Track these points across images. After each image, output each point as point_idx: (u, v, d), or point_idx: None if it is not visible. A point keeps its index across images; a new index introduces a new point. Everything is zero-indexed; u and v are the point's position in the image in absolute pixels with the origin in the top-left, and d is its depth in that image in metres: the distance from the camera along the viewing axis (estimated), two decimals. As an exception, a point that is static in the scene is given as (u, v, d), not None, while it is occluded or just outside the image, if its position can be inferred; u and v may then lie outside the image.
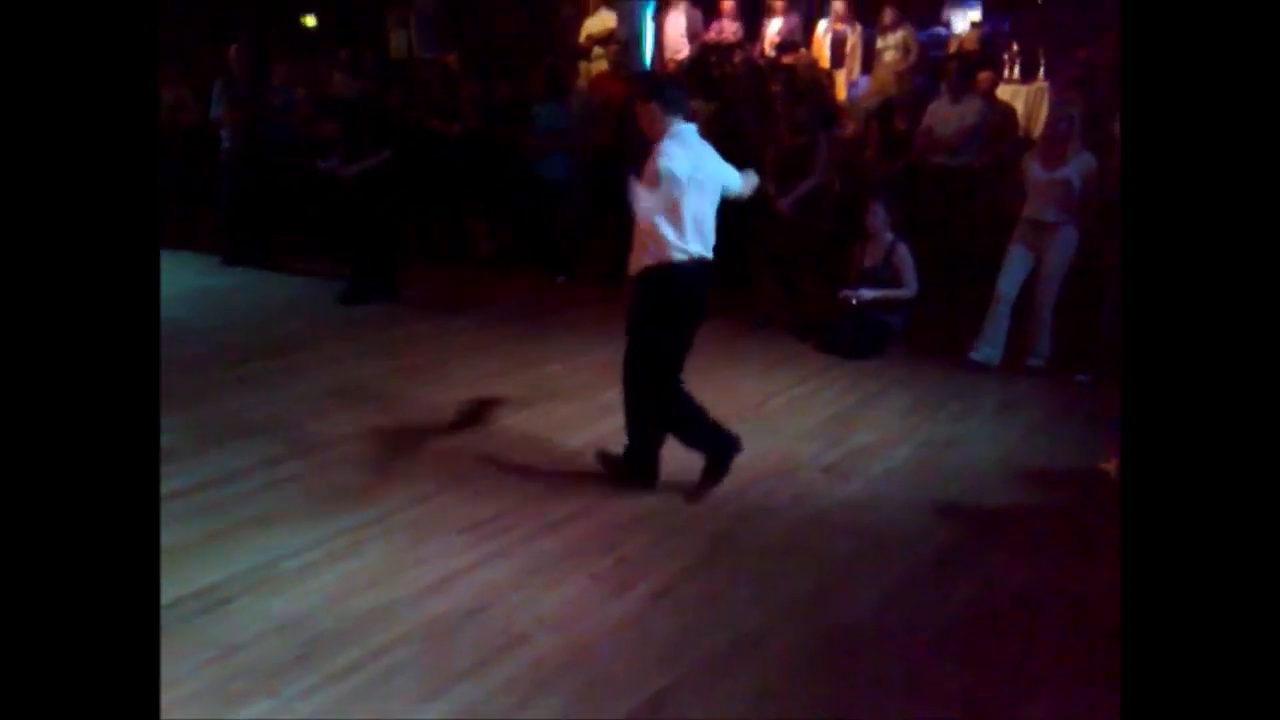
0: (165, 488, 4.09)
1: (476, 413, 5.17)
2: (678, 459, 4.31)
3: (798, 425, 5.16)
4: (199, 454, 4.54)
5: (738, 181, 4.19)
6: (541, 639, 3.21)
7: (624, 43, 9.31)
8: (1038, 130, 7.70)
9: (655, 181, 3.90)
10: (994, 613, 3.48)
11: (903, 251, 6.32)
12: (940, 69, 8.25)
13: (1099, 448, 4.79)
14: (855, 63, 9.61)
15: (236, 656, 3.07)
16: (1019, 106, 8.27)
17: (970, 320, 6.26)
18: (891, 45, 9.22)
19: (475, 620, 3.30)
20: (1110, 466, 4.58)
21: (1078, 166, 5.77)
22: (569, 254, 8.03)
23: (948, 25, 9.72)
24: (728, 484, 4.29)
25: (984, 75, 7.62)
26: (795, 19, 9.68)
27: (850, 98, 9.33)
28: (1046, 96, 8.54)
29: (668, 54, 9.89)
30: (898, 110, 7.74)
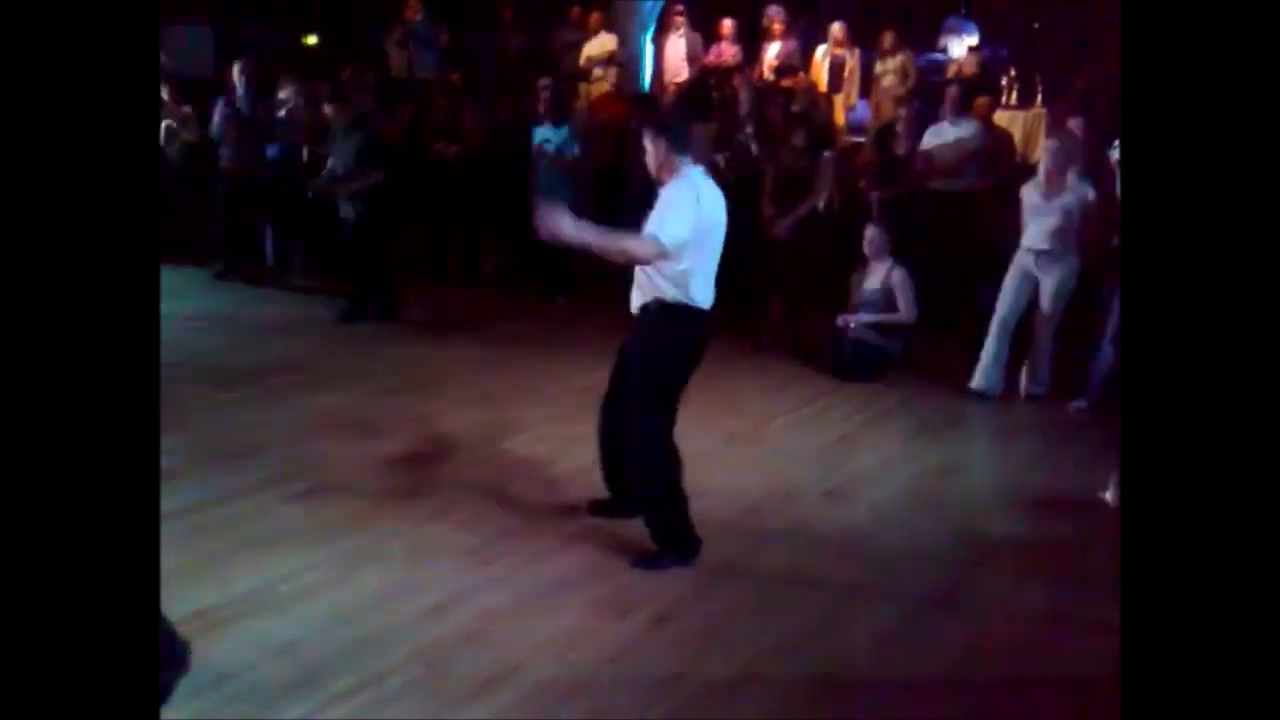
0: (162, 508, 4.05)
1: (475, 434, 5.15)
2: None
3: (798, 449, 5.16)
4: (196, 475, 4.51)
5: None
6: (539, 667, 3.18)
7: (624, 64, 9.37)
8: (1035, 155, 7.74)
9: (658, 225, 3.64)
10: (993, 642, 3.47)
11: (901, 276, 6.32)
12: (938, 94, 8.30)
13: (1098, 475, 4.78)
14: (853, 87, 9.67)
15: (231, 681, 3.04)
16: (1016, 132, 8.32)
17: (969, 346, 6.27)
18: (890, 70, 9.28)
19: (473, 647, 3.27)
20: (1109, 494, 4.57)
21: (1076, 194, 5.80)
22: (567, 275, 8.03)
23: (944, 51, 9.78)
24: (729, 508, 4.28)
25: (982, 100, 7.68)
26: (793, 43, 9.74)
27: (849, 122, 9.38)
28: (1044, 122, 8.59)
29: (667, 77, 9.95)
30: (895, 134, 7.78)
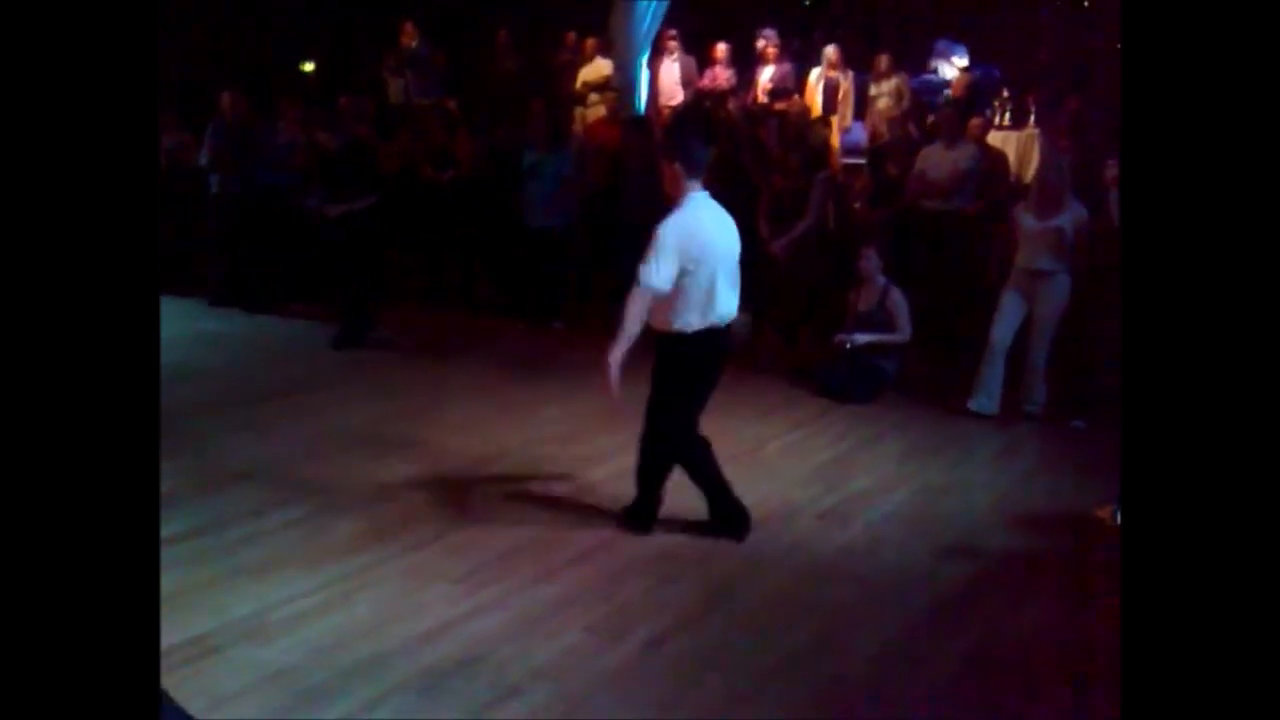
0: (159, 533, 4.05)
1: (472, 458, 5.14)
2: (673, 507, 4.29)
3: (794, 470, 5.15)
4: (193, 499, 4.49)
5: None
6: (535, 691, 3.17)
7: (620, 90, 9.41)
8: (1029, 176, 7.78)
9: (646, 271, 3.88)
10: (991, 661, 3.46)
11: (896, 296, 6.35)
12: (934, 114, 8.35)
13: (1095, 494, 4.76)
14: (848, 109, 9.71)
15: (227, 707, 3.02)
16: (1010, 153, 8.36)
17: (964, 365, 6.27)
18: (885, 92, 9.33)
19: (468, 671, 3.26)
20: (1106, 512, 4.56)
21: (1070, 215, 5.83)
22: (559, 302, 8.02)
23: (935, 72, 9.83)
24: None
25: (975, 121, 7.72)
26: (787, 66, 9.79)
27: (844, 143, 9.42)
28: (1037, 143, 8.62)
29: (662, 100, 9.99)
30: (890, 156, 7.83)
